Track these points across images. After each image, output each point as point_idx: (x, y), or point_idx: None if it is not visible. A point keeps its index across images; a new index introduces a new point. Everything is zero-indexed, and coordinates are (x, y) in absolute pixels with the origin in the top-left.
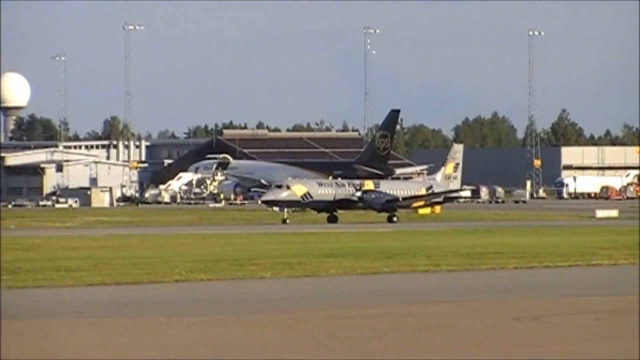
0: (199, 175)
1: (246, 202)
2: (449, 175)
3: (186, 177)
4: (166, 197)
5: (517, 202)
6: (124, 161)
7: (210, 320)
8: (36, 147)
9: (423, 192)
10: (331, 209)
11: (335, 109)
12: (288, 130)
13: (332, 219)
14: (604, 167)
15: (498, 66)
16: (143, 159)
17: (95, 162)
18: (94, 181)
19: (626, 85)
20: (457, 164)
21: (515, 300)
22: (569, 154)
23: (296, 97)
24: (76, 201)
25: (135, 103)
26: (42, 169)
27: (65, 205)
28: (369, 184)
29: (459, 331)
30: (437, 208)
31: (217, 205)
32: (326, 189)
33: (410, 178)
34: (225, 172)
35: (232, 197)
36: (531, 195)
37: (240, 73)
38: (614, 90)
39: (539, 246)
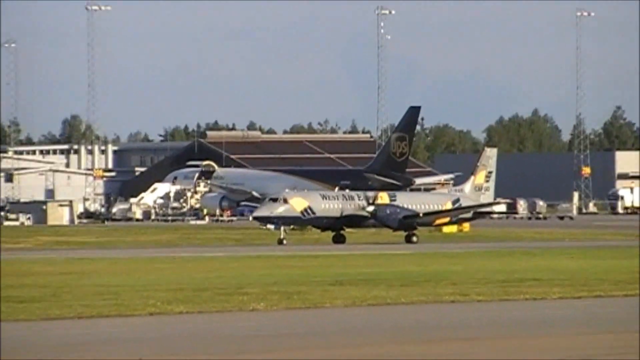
0: (177, 187)
1: (235, 218)
2: (479, 186)
3: (162, 188)
4: (138, 213)
5: (562, 218)
6: (87, 169)
7: None
8: None
9: (448, 206)
10: (337, 226)
11: (342, 106)
12: (285, 132)
13: (339, 239)
14: None
15: (539, 54)
16: (110, 166)
17: (53, 171)
18: (50, 193)
19: None
20: (490, 172)
21: (560, 337)
22: (625, 160)
23: (295, 92)
24: (29, 218)
25: (101, 100)
26: None
27: (17, 223)
28: (383, 197)
29: None
30: (466, 225)
31: (200, 222)
32: (331, 203)
33: (433, 189)
34: (209, 182)
35: (218, 212)
36: (579, 210)
37: (228, 64)
38: None
39: (588, 272)
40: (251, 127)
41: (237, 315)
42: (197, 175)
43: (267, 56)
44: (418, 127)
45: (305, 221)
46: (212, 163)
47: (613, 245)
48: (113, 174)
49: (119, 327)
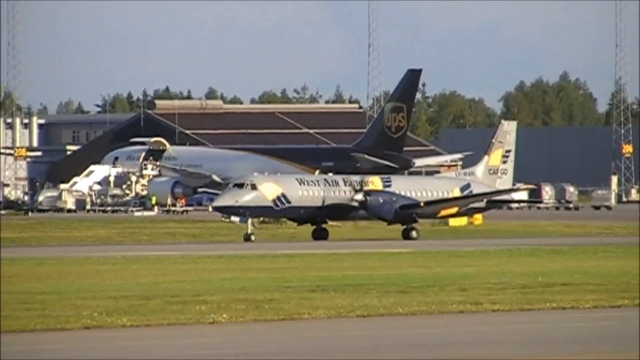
0: (119, 169)
1: (190, 208)
2: (495, 169)
3: (100, 171)
4: (69, 202)
5: (597, 207)
6: (6, 148)
7: None
8: None
9: (456, 193)
10: (318, 219)
11: (324, 68)
12: (253, 101)
13: (320, 234)
14: None
15: (568, 3)
16: (35, 144)
17: None
18: None
19: None
20: (508, 151)
21: (595, 355)
22: None
23: (264, 52)
24: None
25: (24, 61)
26: None
27: None
28: (374, 182)
29: None
30: (478, 217)
31: (147, 213)
32: (311, 190)
33: (438, 172)
34: (158, 163)
35: (170, 201)
36: (618, 198)
37: (181, 16)
38: None
39: (630, 275)
40: (211, 95)
41: (194, 329)
42: (143, 155)
43: (230, 5)
44: (418, 95)
45: (278, 212)
46: (162, 140)
47: None
48: (39, 153)
49: (47, 343)
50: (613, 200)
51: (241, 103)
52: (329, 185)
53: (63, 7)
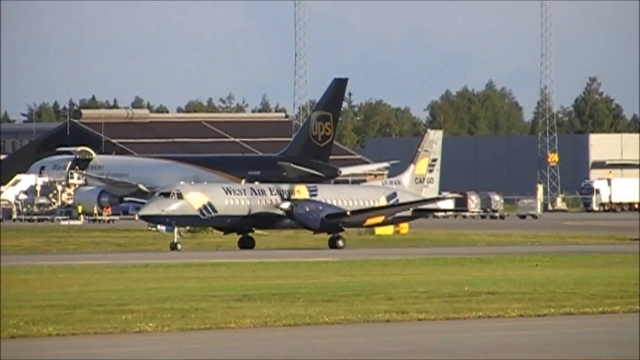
0: (45, 179)
1: (116, 217)
2: (421, 177)
3: (26, 180)
4: None
5: (523, 217)
6: None
7: None
8: None
9: (383, 202)
10: (244, 228)
11: (250, 78)
12: (179, 110)
13: (246, 243)
14: None
15: (495, 13)
16: None
17: None
18: None
19: None
20: (434, 160)
21: None
22: (601, 145)
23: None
24: None
25: None
26: None
27: None
28: (301, 191)
29: None
30: (404, 226)
31: (73, 222)
32: (237, 199)
33: (364, 181)
34: (84, 172)
35: (96, 210)
36: (545, 207)
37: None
38: None
39: (555, 283)
40: (137, 104)
41: (120, 338)
42: (69, 164)
43: (155, 13)
44: (345, 105)
45: (204, 221)
46: (88, 149)
47: (586, 251)
48: None
49: None
50: (539, 209)
51: (167, 112)
52: (256, 194)
53: None
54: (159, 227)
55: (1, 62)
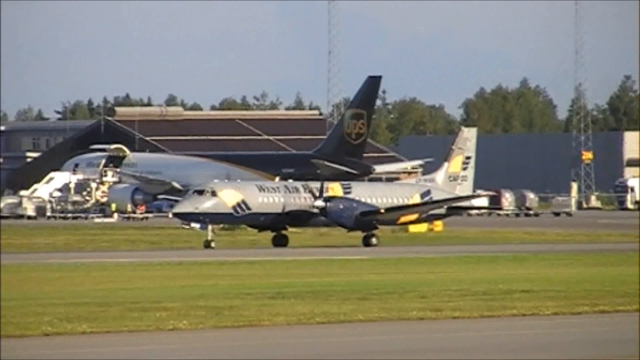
0: (79, 176)
1: (150, 215)
2: (455, 175)
3: (60, 178)
4: (30, 209)
5: (557, 214)
6: None
7: None
8: None
9: (416, 200)
10: (278, 225)
11: (284, 76)
12: (213, 108)
13: (280, 241)
14: None
15: (529, 11)
16: None
17: None
18: None
19: None
20: (468, 158)
21: None
22: (635, 143)
23: (225, 59)
24: None
25: None
26: None
27: None
28: (334, 189)
29: None
30: (438, 224)
31: (107, 220)
32: (271, 196)
33: (398, 179)
34: (119, 170)
35: (130, 208)
36: (579, 205)
37: (142, 22)
38: None
39: (590, 282)
40: (171, 101)
41: (154, 335)
42: (103, 161)
43: (190, 12)
44: (379, 102)
45: (238, 219)
46: (122, 147)
47: (621, 249)
48: None
49: (6, 350)
50: (573, 207)
51: (201, 110)
52: (289, 191)
53: (22, 13)
54: (192, 224)
55: (35, 60)
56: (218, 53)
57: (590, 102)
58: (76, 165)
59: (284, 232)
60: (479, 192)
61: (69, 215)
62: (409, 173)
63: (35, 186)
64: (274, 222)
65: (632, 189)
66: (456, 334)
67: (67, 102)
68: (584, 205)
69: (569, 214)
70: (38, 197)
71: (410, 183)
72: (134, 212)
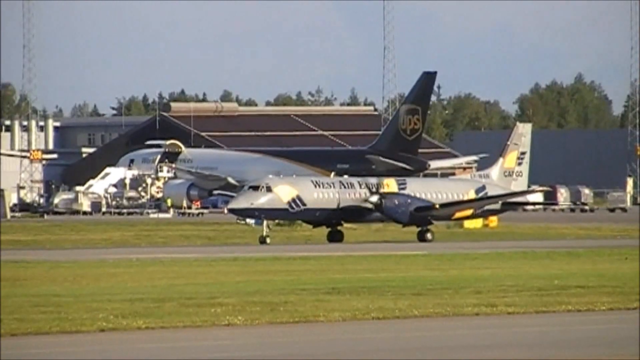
0: (134, 172)
1: (206, 211)
2: (510, 171)
3: (115, 174)
4: (85, 205)
5: (612, 210)
6: (22, 150)
7: None
8: None
9: (471, 195)
10: (333, 221)
11: (338, 71)
12: (268, 103)
13: (335, 237)
14: None
15: (583, 5)
16: (50, 147)
17: None
18: None
19: None
20: (523, 153)
21: (618, 357)
22: None
23: (280, 54)
24: None
25: (39, 64)
26: None
27: None
28: (389, 184)
29: None
30: (493, 220)
31: (163, 215)
32: (326, 192)
33: (452, 174)
34: (174, 166)
35: (185, 203)
36: (634, 200)
37: (196, 20)
38: None
39: None
40: (226, 97)
41: (209, 331)
42: (158, 157)
43: (244, 8)
44: (434, 98)
45: (293, 214)
46: (178, 142)
47: None
48: (54, 156)
49: (62, 346)
50: (628, 203)
51: (256, 105)
52: (344, 187)
53: (78, 9)
54: (248, 220)
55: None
56: (273, 49)
57: None
58: (131, 161)
59: (339, 227)
60: (533, 187)
61: (124, 210)
62: (464, 169)
63: (90, 182)
64: (329, 217)
65: None
66: (511, 329)
67: (122, 98)
68: (639, 201)
69: (624, 210)
70: (93, 193)
71: (465, 179)
72: (190, 208)
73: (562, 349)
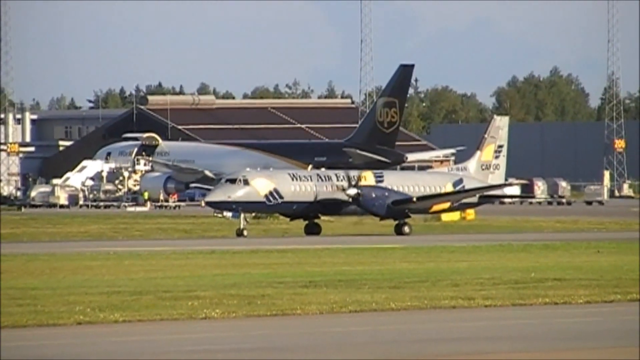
0: (111, 165)
1: (183, 204)
2: (487, 164)
3: (92, 167)
4: (62, 198)
5: (589, 203)
6: None
7: None
8: None
9: (449, 188)
10: (311, 214)
11: (316, 64)
12: (245, 96)
13: (312, 230)
14: None
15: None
16: (28, 140)
17: None
18: None
19: None
20: (500, 146)
21: (587, 352)
22: None
23: (256, 48)
24: None
25: (16, 57)
26: None
27: None
28: (367, 177)
29: None
30: (470, 213)
31: (140, 209)
32: (303, 185)
33: (430, 167)
34: (151, 159)
35: (162, 196)
36: (611, 193)
37: (173, 11)
38: None
39: (622, 270)
40: (203, 90)
41: (187, 324)
42: (135, 150)
43: (222, 1)
44: (411, 91)
45: (270, 207)
46: (155, 135)
47: None
48: (31, 149)
49: (40, 339)
50: (605, 196)
51: (233, 98)
52: (322, 180)
53: (56, 4)
54: (225, 213)
55: (67, 49)
56: (250, 42)
57: (623, 90)
58: (108, 154)
59: (316, 220)
60: (511, 180)
61: (102, 203)
62: (441, 161)
63: (67, 175)
64: (306, 210)
65: None
66: (489, 322)
67: (99, 91)
68: (617, 194)
69: (601, 203)
70: (70, 186)
71: (442, 172)
72: (167, 201)
73: (539, 341)
